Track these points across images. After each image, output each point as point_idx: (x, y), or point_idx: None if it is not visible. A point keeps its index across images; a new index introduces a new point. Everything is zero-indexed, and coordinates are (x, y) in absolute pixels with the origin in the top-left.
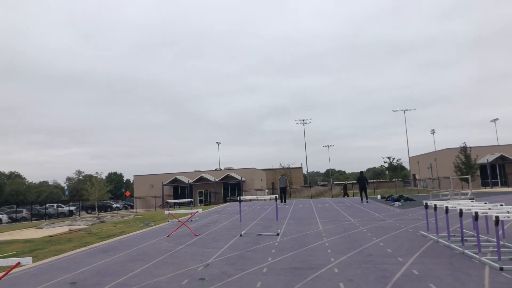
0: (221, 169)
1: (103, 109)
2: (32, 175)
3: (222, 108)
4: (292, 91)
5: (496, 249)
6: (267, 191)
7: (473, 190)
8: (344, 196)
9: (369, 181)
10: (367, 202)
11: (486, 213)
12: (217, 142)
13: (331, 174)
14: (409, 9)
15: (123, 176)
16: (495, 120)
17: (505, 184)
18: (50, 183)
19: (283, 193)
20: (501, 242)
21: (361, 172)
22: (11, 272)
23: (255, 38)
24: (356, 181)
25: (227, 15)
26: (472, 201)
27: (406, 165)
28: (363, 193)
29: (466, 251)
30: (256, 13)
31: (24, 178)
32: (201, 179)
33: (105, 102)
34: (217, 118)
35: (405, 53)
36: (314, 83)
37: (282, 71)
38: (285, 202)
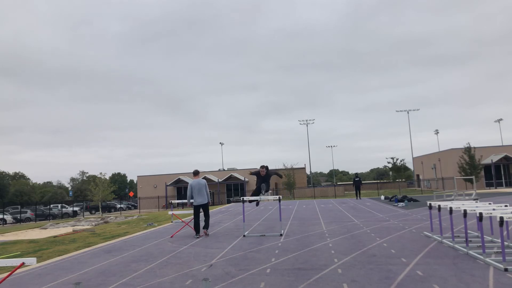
0: (224, 170)
1: (106, 109)
2: (36, 176)
3: (224, 108)
4: (294, 89)
5: (500, 250)
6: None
7: (478, 191)
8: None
9: (362, 182)
10: (360, 199)
11: (491, 213)
12: (220, 143)
13: (334, 175)
14: (412, 6)
15: (126, 177)
16: (499, 120)
17: (509, 184)
18: (54, 183)
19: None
20: (505, 243)
21: (356, 174)
22: (15, 272)
23: (255, 34)
24: (352, 183)
25: (228, 11)
26: (476, 202)
27: (410, 165)
28: (358, 192)
29: (470, 252)
30: (259, 8)
31: (28, 178)
32: (204, 179)
33: (108, 102)
34: (220, 118)
35: (409, 52)
36: (317, 82)
37: (283, 68)
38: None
